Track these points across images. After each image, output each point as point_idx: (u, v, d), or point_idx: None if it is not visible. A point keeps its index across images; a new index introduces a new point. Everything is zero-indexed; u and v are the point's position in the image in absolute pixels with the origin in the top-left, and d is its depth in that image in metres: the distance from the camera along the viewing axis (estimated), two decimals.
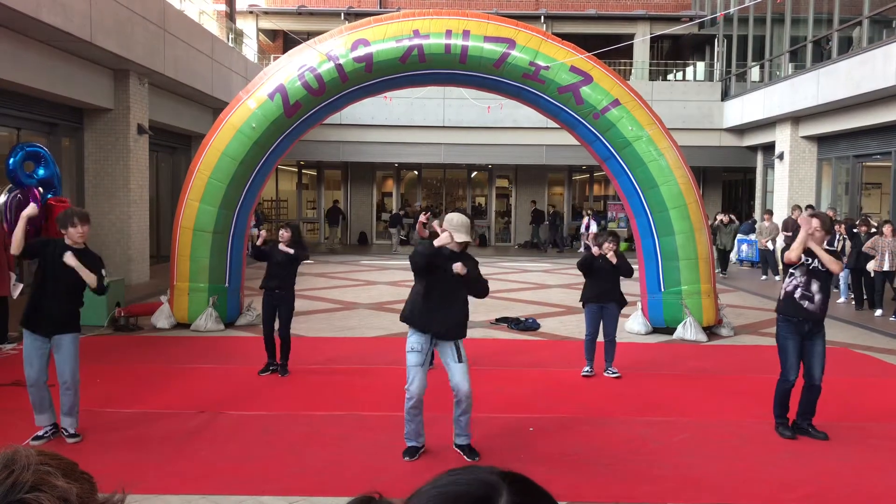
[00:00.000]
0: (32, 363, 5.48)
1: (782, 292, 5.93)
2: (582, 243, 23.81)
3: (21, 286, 8.95)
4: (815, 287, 5.80)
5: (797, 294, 5.81)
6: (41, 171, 9.57)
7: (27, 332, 5.52)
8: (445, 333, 5.28)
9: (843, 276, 12.99)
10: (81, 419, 5.73)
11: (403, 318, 5.40)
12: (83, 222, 5.50)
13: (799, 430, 5.93)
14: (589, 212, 24.17)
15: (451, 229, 5.19)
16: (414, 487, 0.89)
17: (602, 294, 7.72)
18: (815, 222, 5.79)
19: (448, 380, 5.31)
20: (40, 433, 5.59)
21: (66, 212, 5.68)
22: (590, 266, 7.74)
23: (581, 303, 7.99)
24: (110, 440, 5.56)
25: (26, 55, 10.65)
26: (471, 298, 5.54)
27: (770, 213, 17.03)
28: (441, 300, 5.26)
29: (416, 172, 26.99)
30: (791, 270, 5.89)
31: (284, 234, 7.63)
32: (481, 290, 5.42)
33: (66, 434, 5.56)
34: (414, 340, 5.27)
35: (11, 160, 9.35)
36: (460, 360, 5.27)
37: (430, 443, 5.50)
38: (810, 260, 5.79)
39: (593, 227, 23.38)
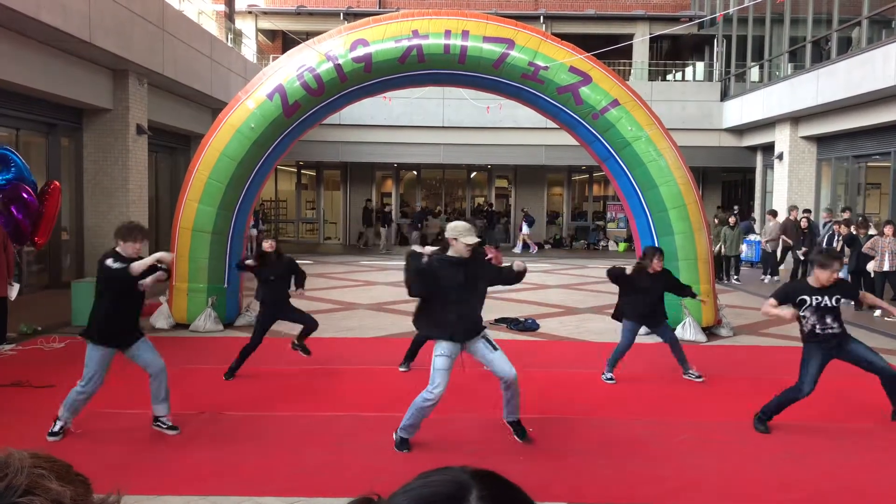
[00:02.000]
0: (101, 374, 5.53)
1: (805, 330, 5.89)
2: (520, 243, 23.83)
3: (18, 287, 8.93)
4: (829, 319, 5.83)
5: (818, 329, 5.83)
6: (10, 174, 9.43)
7: (99, 346, 5.51)
8: (471, 334, 5.42)
9: (843, 277, 12.98)
10: (81, 419, 5.76)
11: (428, 335, 5.49)
12: (139, 241, 5.69)
13: None
14: (522, 211, 24.27)
15: (458, 235, 5.29)
16: None
17: (645, 314, 7.57)
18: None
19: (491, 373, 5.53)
20: (67, 427, 5.58)
21: (129, 227, 5.81)
22: (625, 282, 7.57)
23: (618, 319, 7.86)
24: (109, 440, 5.55)
25: (25, 55, 10.64)
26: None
27: (774, 213, 16.90)
28: (458, 306, 5.36)
29: (415, 173, 26.99)
30: (801, 313, 5.83)
31: (273, 242, 7.72)
32: (514, 279, 5.63)
33: (164, 427, 5.66)
34: (445, 346, 5.36)
35: None
36: (496, 349, 5.46)
37: (432, 442, 5.51)
38: (819, 299, 5.78)
39: (525, 229, 23.42)
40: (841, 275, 12.71)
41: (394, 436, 5.48)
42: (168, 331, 10.00)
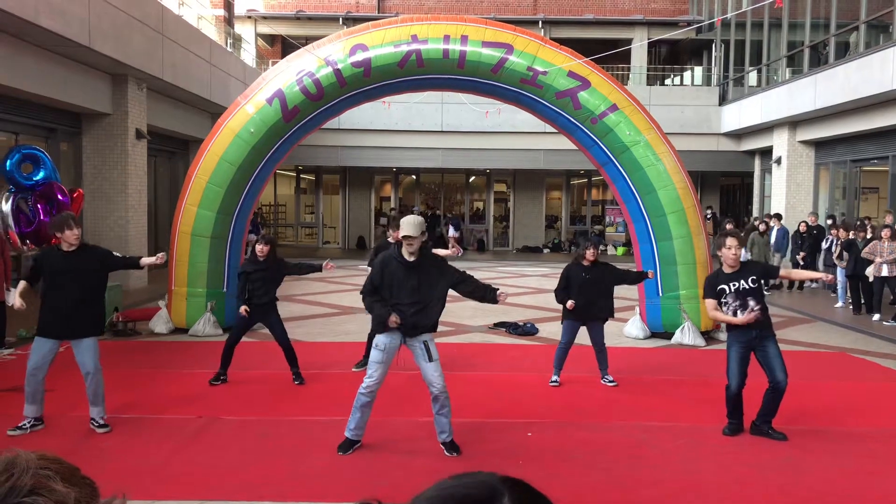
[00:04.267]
0: (37, 354, 5.74)
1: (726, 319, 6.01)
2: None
3: (16, 291, 8.94)
4: (752, 303, 5.89)
5: (740, 313, 5.90)
6: (41, 174, 9.64)
7: (39, 338, 5.78)
8: (410, 331, 5.45)
9: (841, 281, 13.00)
10: (77, 423, 5.84)
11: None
12: (69, 229, 5.71)
13: (758, 431, 5.98)
14: (449, 215, 24.41)
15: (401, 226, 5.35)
16: (412, 492, 0.90)
17: (585, 307, 7.41)
18: (730, 241, 5.97)
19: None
20: (21, 423, 5.75)
21: (59, 218, 5.92)
22: (567, 285, 7.46)
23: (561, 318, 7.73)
24: (107, 445, 5.55)
25: (24, 60, 10.65)
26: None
27: (779, 217, 16.72)
28: (402, 302, 5.41)
29: (414, 177, 27.00)
30: (722, 300, 5.95)
31: (263, 248, 7.36)
32: (478, 292, 5.60)
33: (95, 425, 5.79)
34: (379, 339, 5.53)
35: (8, 162, 9.39)
36: (431, 360, 5.45)
37: (432, 447, 5.51)
38: (736, 283, 5.89)
39: (452, 231, 23.52)
40: (839, 279, 12.76)
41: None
42: (167, 335, 10.00)
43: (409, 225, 5.30)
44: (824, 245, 14.53)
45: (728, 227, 15.80)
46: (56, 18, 10.09)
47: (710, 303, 6.05)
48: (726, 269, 5.99)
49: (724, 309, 5.96)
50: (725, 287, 5.93)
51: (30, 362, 5.72)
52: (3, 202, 9.16)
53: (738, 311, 5.88)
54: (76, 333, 5.75)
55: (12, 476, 0.86)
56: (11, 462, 0.88)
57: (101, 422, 5.81)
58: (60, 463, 0.92)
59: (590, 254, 7.39)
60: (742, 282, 5.89)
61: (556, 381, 7.52)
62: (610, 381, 7.59)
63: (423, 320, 5.43)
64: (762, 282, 6.01)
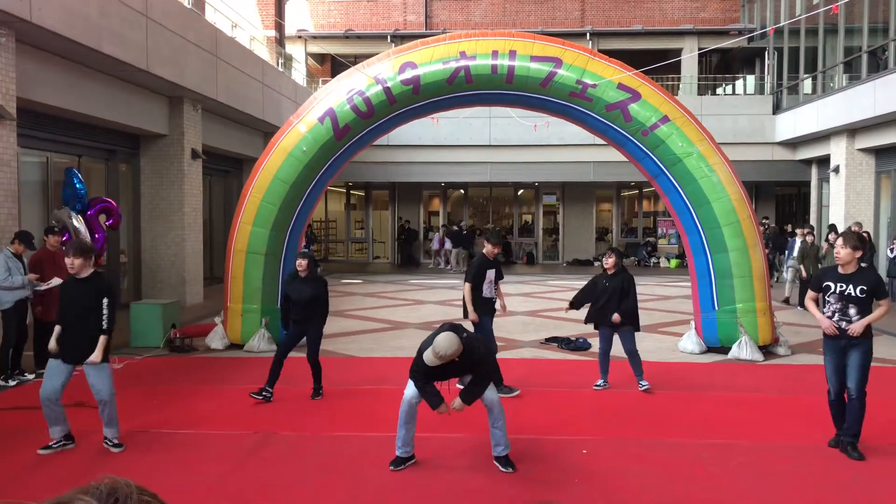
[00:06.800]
0: (48, 379, 5.76)
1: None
2: (433, 260, 24.20)
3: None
4: (853, 311, 5.74)
5: (835, 318, 5.80)
6: (82, 190, 10.02)
7: (52, 360, 5.85)
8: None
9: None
10: (137, 438, 5.99)
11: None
12: (74, 255, 5.71)
13: (839, 444, 5.87)
14: (444, 225, 24.29)
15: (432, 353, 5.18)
16: None
17: (601, 312, 7.79)
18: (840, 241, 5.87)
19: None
20: (50, 443, 5.81)
21: (69, 245, 6.00)
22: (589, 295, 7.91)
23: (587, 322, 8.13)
24: (164, 461, 5.66)
25: (87, 85, 11.03)
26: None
27: (812, 228, 16.24)
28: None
29: (462, 191, 27.06)
30: (826, 298, 5.86)
31: (303, 262, 7.54)
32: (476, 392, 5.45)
33: (109, 444, 5.85)
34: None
35: (79, 184, 9.75)
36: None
37: (486, 464, 5.48)
38: (844, 286, 5.74)
39: (447, 245, 23.29)
40: None
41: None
42: (223, 351, 10.18)
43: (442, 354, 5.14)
44: (889, 255, 14.08)
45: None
46: (117, 44, 10.43)
47: (811, 294, 6.09)
48: (840, 269, 5.84)
49: (825, 308, 5.85)
50: (831, 285, 5.80)
51: (42, 389, 5.74)
52: (75, 220, 9.45)
53: (836, 315, 5.76)
54: (83, 359, 5.79)
55: (118, 501, 0.91)
56: (113, 488, 0.93)
57: (116, 441, 5.86)
58: (146, 491, 0.97)
59: (606, 262, 7.89)
60: (851, 286, 5.72)
61: (600, 385, 7.88)
62: (644, 387, 7.77)
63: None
64: (870, 295, 5.71)
